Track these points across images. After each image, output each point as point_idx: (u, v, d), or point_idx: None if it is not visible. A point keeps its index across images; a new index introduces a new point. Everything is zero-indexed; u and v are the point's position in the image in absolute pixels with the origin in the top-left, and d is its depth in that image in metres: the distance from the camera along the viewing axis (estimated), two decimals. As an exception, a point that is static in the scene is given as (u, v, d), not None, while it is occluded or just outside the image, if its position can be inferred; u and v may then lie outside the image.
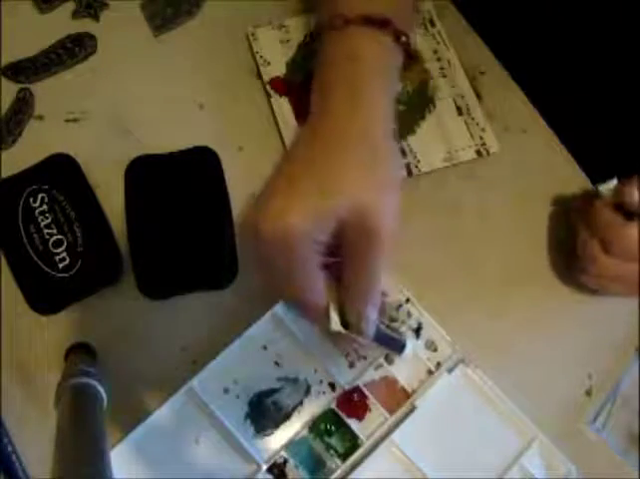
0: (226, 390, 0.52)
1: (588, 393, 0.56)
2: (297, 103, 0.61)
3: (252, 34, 0.63)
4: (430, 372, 0.54)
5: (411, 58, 0.52)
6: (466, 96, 0.63)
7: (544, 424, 0.53)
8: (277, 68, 0.62)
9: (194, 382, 0.51)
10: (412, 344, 0.52)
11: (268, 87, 0.62)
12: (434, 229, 0.59)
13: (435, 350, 0.55)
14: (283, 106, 0.61)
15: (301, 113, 0.61)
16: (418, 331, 0.55)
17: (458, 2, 0.66)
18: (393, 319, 0.55)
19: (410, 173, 0.60)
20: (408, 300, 0.55)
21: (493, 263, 0.58)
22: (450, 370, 0.54)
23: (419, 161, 0.60)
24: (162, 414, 0.51)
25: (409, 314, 0.55)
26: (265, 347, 0.53)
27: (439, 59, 0.64)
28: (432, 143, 0.61)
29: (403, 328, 0.55)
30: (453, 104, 0.63)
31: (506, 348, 0.56)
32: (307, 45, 0.63)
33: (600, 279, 0.53)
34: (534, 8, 0.63)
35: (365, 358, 0.54)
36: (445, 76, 0.64)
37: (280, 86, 0.62)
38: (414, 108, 0.62)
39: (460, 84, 0.63)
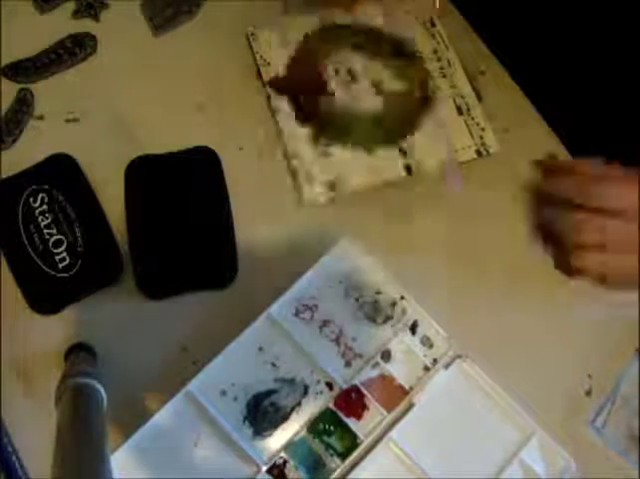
0: (224, 393, 0.52)
1: (588, 393, 0.56)
2: (297, 103, 0.61)
3: (252, 34, 0.63)
4: (426, 369, 0.54)
5: None
6: (466, 96, 0.63)
7: (544, 423, 0.53)
8: (277, 70, 0.62)
9: (192, 385, 0.51)
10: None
11: (268, 87, 0.62)
12: (433, 228, 0.59)
13: (431, 347, 0.55)
14: (283, 106, 0.61)
15: (301, 113, 0.61)
16: (413, 328, 0.55)
17: (458, 2, 0.66)
18: (387, 317, 0.55)
19: (410, 173, 0.60)
20: (402, 297, 0.55)
21: (492, 262, 0.59)
22: (446, 366, 0.54)
23: (419, 161, 0.60)
24: (161, 418, 0.51)
25: (403, 311, 0.55)
26: (261, 349, 0.53)
27: (439, 59, 0.64)
28: (432, 143, 0.61)
29: (398, 326, 0.55)
30: (453, 104, 0.63)
31: (505, 348, 0.56)
32: (306, 45, 0.63)
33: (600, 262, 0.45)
34: (534, 8, 0.63)
35: (361, 357, 0.54)
36: (445, 76, 0.64)
37: (280, 86, 0.62)
38: (414, 108, 0.62)
39: (460, 84, 0.63)
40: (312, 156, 0.60)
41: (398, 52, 0.64)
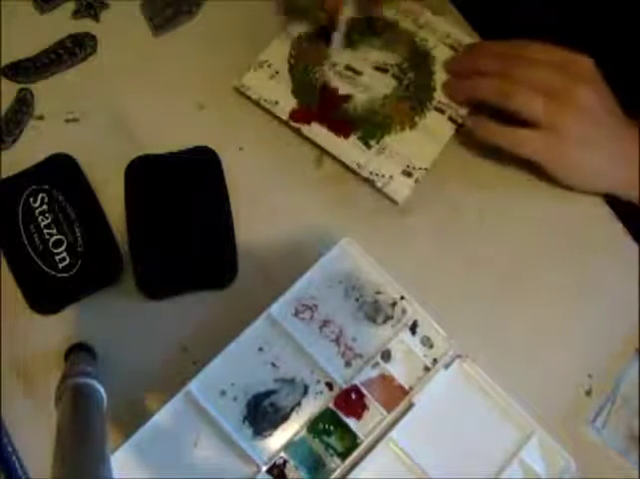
0: (224, 393, 0.52)
1: (588, 393, 0.56)
2: (326, 122, 0.60)
3: (242, 86, 0.61)
4: (426, 369, 0.54)
5: None
6: (451, 35, 0.64)
7: (544, 423, 0.53)
8: (287, 102, 0.61)
9: (192, 386, 0.51)
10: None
11: (292, 123, 0.60)
12: (434, 227, 0.59)
13: (431, 347, 0.55)
14: (320, 131, 0.60)
15: (334, 129, 0.60)
16: (413, 328, 0.55)
17: (457, 2, 0.66)
18: (387, 317, 0.55)
19: (456, 123, 0.61)
20: (402, 297, 0.55)
21: (493, 261, 0.58)
22: (446, 366, 0.54)
23: (455, 109, 0.61)
24: (161, 418, 0.51)
25: (403, 311, 0.55)
26: (261, 349, 0.53)
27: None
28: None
29: (398, 326, 0.55)
30: (445, 47, 0.63)
31: (505, 348, 0.56)
32: (295, 67, 0.62)
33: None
34: (534, 8, 0.63)
35: (361, 357, 0.54)
36: (421, 26, 0.64)
37: (303, 116, 0.60)
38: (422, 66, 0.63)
39: (440, 27, 0.64)
40: (373, 159, 0.59)
41: (372, 29, 0.64)
